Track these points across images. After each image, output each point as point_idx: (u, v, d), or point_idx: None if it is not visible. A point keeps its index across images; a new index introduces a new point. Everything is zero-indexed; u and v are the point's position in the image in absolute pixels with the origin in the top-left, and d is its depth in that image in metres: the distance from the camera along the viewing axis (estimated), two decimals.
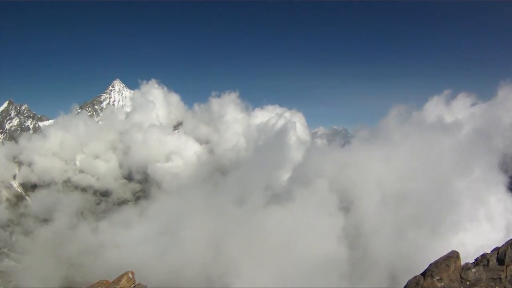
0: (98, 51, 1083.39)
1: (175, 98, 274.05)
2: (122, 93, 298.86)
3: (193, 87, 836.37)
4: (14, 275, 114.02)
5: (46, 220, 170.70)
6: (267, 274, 62.68)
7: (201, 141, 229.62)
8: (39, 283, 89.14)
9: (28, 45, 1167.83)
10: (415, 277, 20.37)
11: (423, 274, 20.27)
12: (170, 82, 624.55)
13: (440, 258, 20.77)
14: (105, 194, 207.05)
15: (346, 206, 75.52)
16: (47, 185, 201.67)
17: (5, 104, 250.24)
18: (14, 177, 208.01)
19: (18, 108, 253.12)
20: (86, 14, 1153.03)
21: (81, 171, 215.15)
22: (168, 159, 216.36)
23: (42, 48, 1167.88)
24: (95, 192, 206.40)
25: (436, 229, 63.47)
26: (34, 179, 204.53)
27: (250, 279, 61.71)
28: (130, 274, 28.71)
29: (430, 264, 20.49)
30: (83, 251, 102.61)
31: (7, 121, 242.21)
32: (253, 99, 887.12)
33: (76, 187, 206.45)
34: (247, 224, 79.12)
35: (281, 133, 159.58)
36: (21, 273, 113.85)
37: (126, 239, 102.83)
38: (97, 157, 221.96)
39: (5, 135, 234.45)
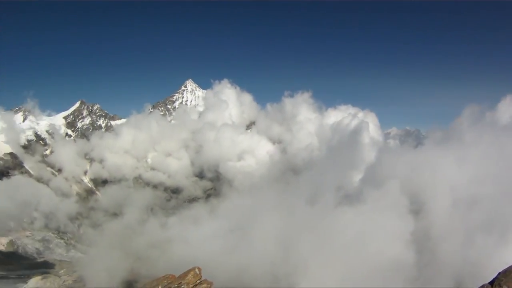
0: (170, 52, 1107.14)
1: (248, 97, 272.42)
2: (194, 93, 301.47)
3: (266, 87, 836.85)
4: (79, 266, 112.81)
5: (115, 214, 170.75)
6: (334, 274, 60.49)
7: (273, 140, 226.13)
8: (103, 274, 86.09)
9: (101, 46, 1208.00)
10: (482, 286, 20.14)
11: (491, 282, 19.93)
12: (243, 82, 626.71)
13: (510, 266, 20.09)
14: (176, 191, 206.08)
15: (416, 209, 72.65)
16: (118, 181, 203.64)
17: (77, 104, 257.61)
18: (85, 172, 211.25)
19: (90, 108, 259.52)
20: (159, 14, 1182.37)
21: (153, 168, 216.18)
22: (240, 158, 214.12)
23: (115, 49, 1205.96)
24: (166, 189, 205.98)
25: (506, 236, 60.74)
26: (105, 175, 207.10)
27: (316, 279, 60.21)
28: (197, 270, 29.41)
29: (499, 273, 20.00)
30: (150, 245, 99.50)
31: (79, 120, 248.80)
32: (326, 99, 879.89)
33: (147, 183, 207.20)
34: (317, 224, 76.68)
35: (354, 134, 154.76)
36: (86, 264, 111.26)
37: (195, 236, 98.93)
38: (169, 155, 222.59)
39: (77, 133, 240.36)
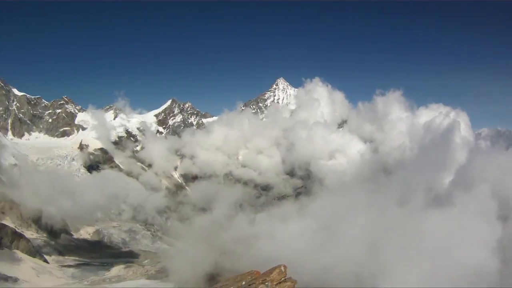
0: (262, 51, 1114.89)
1: (339, 96, 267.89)
2: (286, 91, 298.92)
3: (357, 85, 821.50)
4: (164, 257, 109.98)
5: (203, 209, 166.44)
6: (418, 278, 56.61)
7: (365, 139, 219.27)
8: (188, 266, 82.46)
9: (192, 45, 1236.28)
10: None
11: None
12: (334, 80, 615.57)
13: None
14: (265, 188, 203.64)
15: (505, 215, 67.51)
16: (208, 177, 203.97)
17: (169, 102, 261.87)
18: (175, 168, 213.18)
19: (182, 106, 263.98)
20: (250, 14, 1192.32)
21: (243, 166, 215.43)
22: (331, 156, 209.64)
23: (207, 48, 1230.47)
24: (256, 186, 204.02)
25: None
26: (195, 171, 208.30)
27: (400, 281, 55.48)
28: (282, 268, 28.95)
29: None
30: (236, 240, 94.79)
31: (170, 117, 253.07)
32: (417, 97, 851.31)
33: (237, 180, 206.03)
34: (405, 226, 71.22)
35: (446, 134, 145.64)
36: (171, 256, 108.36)
37: (282, 233, 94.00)
38: (260, 152, 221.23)
39: (168, 130, 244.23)
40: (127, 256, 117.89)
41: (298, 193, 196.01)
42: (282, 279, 27.96)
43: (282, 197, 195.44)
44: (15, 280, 72.34)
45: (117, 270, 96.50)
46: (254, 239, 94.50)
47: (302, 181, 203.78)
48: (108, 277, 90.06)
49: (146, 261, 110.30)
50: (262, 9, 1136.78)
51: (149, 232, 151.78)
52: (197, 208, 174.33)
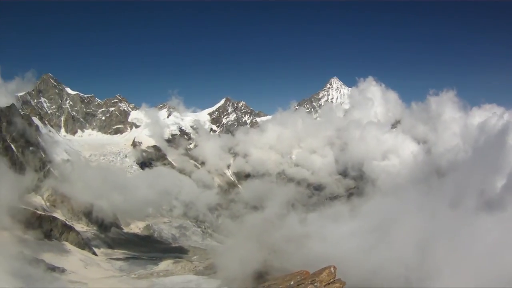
0: (316, 50, 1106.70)
1: (393, 95, 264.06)
2: (340, 90, 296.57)
3: (410, 84, 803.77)
4: (213, 254, 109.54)
5: (255, 208, 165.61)
6: (466, 282, 53.50)
7: (418, 140, 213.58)
8: (236, 264, 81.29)
9: (246, 44, 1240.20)
10: None
11: None
12: (388, 80, 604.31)
13: None
14: (318, 188, 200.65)
15: None
16: (261, 175, 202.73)
17: (222, 101, 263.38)
18: (228, 166, 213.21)
19: (235, 105, 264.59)
20: (304, 13, 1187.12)
21: (296, 165, 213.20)
22: (384, 157, 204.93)
23: (260, 47, 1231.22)
24: (308, 186, 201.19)
25: None
26: (248, 169, 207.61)
27: (449, 284, 55.01)
28: (332, 269, 28.84)
29: None
30: (287, 239, 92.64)
31: (224, 116, 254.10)
32: (470, 97, 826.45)
33: (290, 179, 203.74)
34: (456, 229, 70.70)
35: (499, 135, 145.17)
36: (220, 252, 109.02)
37: (333, 233, 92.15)
38: (313, 152, 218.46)
39: (221, 129, 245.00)
40: (176, 252, 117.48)
41: (350, 194, 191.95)
42: (331, 280, 27.81)
43: (334, 197, 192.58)
44: (63, 270, 72.85)
45: (165, 264, 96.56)
46: (304, 239, 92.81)
47: (355, 182, 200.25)
48: (156, 271, 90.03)
49: (195, 257, 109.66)
50: (317, 9, 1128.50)
51: (199, 229, 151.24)
52: (248, 206, 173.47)
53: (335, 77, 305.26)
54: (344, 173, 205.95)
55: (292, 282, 29.03)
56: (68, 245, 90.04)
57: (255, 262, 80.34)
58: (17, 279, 53.79)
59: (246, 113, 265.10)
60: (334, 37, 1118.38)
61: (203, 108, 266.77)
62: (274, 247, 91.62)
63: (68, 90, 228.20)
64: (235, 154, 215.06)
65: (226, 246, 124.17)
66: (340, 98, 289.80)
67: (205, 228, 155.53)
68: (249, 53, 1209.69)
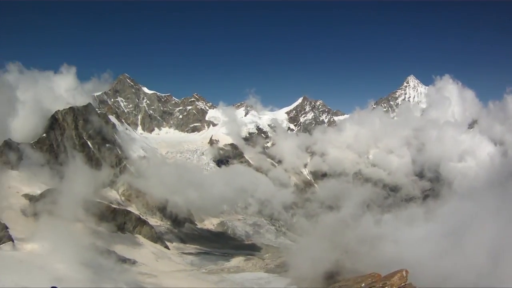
0: (392, 48, 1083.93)
1: (469, 94, 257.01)
2: (417, 89, 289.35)
3: (487, 83, 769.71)
4: (286, 252, 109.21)
5: (330, 207, 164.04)
6: None
7: (495, 141, 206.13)
8: (308, 263, 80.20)
9: (323, 43, 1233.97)
10: None
11: None
12: (464, 78, 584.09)
13: None
14: (394, 189, 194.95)
15: None
16: (337, 175, 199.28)
17: (300, 100, 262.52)
18: (305, 165, 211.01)
19: (313, 104, 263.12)
20: (382, 13, 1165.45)
21: (373, 165, 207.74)
22: (461, 158, 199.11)
23: (336, 46, 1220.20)
24: (384, 186, 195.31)
25: None
26: (324, 168, 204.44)
27: None
28: (404, 273, 28.44)
29: None
30: (360, 240, 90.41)
31: (301, 115, 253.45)
32: None
33: (366, 179, 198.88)
34: None
35: None
36: (293, 251, 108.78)
37: (406, 236, 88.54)
38: (390, 152, 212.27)
39: (299, 127, 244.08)
40: (249, 249, 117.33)
41: (426, 196, 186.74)
42: (402, 284, 27.74)
43: (409, 199, 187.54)
44: (133, 262, 73.75)
45: (237, 261, 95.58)
46: (378, 240, 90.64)
47: (431, 184, 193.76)
48: (226, 267, 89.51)
49: (267, 255, 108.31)
50: (394, 8, 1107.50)
51: (273, 227, 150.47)
52: (324, 206, 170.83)
53: (412, 75, 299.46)
54: (420, 174, 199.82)
55: (363, 284, 29.49)
56: (141, 238, 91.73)
57: (327, 262, 78.94)
58: (87, 269, 54.28)
59: (323, 112, 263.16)
60: (411, 35, 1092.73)
61: (280, 107, 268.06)
62: (346, 248, 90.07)
63: (145, 89, 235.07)
64: (312, 153, 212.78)
65: (299, 245, 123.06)
66: (417, 97, 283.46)
67: (279, 227, 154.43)
68: (327, 52, 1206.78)
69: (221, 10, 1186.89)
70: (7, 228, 59.32)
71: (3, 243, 54.47)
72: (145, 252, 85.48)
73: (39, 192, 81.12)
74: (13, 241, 55.61)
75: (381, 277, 29.33)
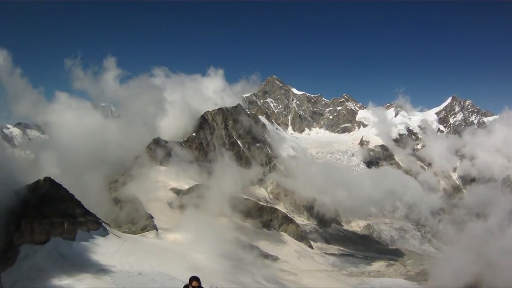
0: None
1: None
2: None
3: None
4: (428, 260, 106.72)
5: (478, 215, 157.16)
6: None
7: None
8: (449, 273, 79.85)
9: (471, 42, 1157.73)
10: None
11: None
12: None
13: None
14: None
15: None
16: (486, 180, 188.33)
17: (449, 100, 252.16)
18: (454, 169, 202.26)
19: (462, 104, 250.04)
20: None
21: None
22: None
23: (487, 45, 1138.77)
24: None
25: None
26: (473, 173, 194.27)
27: None
28: None
29: None
30: (505, 252, 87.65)
31: (451, 115, 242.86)
32: None
33: None
34: None
35: None
36: (435, 260, 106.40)
37: None
38: None
39: (449, 129, 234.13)
40: (392, 254, 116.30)
41: None
42: None
43: None
44: (275, 259, 76.93)
45: (378, 265, 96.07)
46: None
47: None
48: (367, 270, 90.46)
49: (409, 261, 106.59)
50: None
51: (419, 233, 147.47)
52: (471, 213, 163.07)
53: None
54: None
55: None
56: (286, 236, 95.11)
57: (467, 274, 78.43)
58: (227, 261, 57.68)
59: (472, 112, 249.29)
60: None
61: (430, 107, 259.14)
62: (489, 260, 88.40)
63: (294, 90, 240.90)
64: (461, 157, 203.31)
65: (443, 253, 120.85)
66: None
67: (424, 233, 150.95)
68: (475, 49, 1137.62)
69: (376, 11, 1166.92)
70: (152, 218, 65.73)
71: (148, 231, 60.43)
72: (288, 249, 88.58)
73: (186, 187, 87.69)
74: (157, 230, 60.92)
75: None
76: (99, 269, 38.76)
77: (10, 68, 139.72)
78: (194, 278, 15.05)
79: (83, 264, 39.00)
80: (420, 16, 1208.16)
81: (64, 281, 34.06)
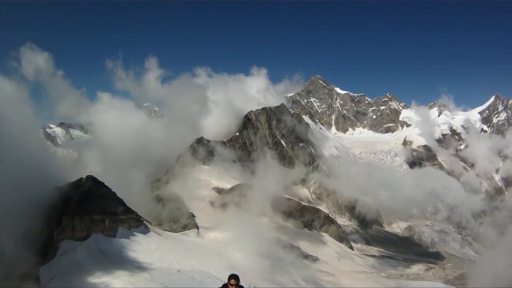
0: None
1: None
2: None
3: None
4: (468, 264, 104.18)
5: None
6: None
7: None
8: (488, 279, 77.86)
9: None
10: None
11: None
12: None
13: None
14: None
15: None
16: None
17: (492, 99, 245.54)
18: (497, 170, 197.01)
19: (505, 102, 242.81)
20: None
21: None
22: None
23: None
24: None
25: None
26: None
27: None
28: None
29: None
30: None
31: (494, 115, 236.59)
32: None
33: None
34: None
35: None
36: (475, 264, 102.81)
37: None
38: None
39: (492, 128, 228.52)
40: (432, 257, 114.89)
41: None
42: None
43: None
44: (315, 259, 76.22)
45: (417, 268, 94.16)
46: None
47: None
48: (406, 273, 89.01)
49: (449, 264, 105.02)
50: None
51: (459, 236, 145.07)
52: None
53: None
54: None
55: None
56: (326, 237, 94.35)
57: (506, 280, 77.49)
58: (265, 260, 57.17)
59: None
60: None
61: (473, 106, 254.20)
62: None
63: (338, 89, 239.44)
64: (504, 157, 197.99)
65: (483, 257, 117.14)
66: None
67: (465, 236, 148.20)
68: None
69: (420, 11, 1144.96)
70: (194, 216, 65.71)
71: (189, 229, 60.30)
72: (328, 250, 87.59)
73: (228, 186, 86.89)
74: (198, 228, 60.79)
75: None
76: (138, 266, 39.96)
77: (53, 70, 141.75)
78: (233, 276, 15.28)
79: (122, 261, 40.25)
80: (464, 16, 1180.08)
81: (101, 278, 35.36)
